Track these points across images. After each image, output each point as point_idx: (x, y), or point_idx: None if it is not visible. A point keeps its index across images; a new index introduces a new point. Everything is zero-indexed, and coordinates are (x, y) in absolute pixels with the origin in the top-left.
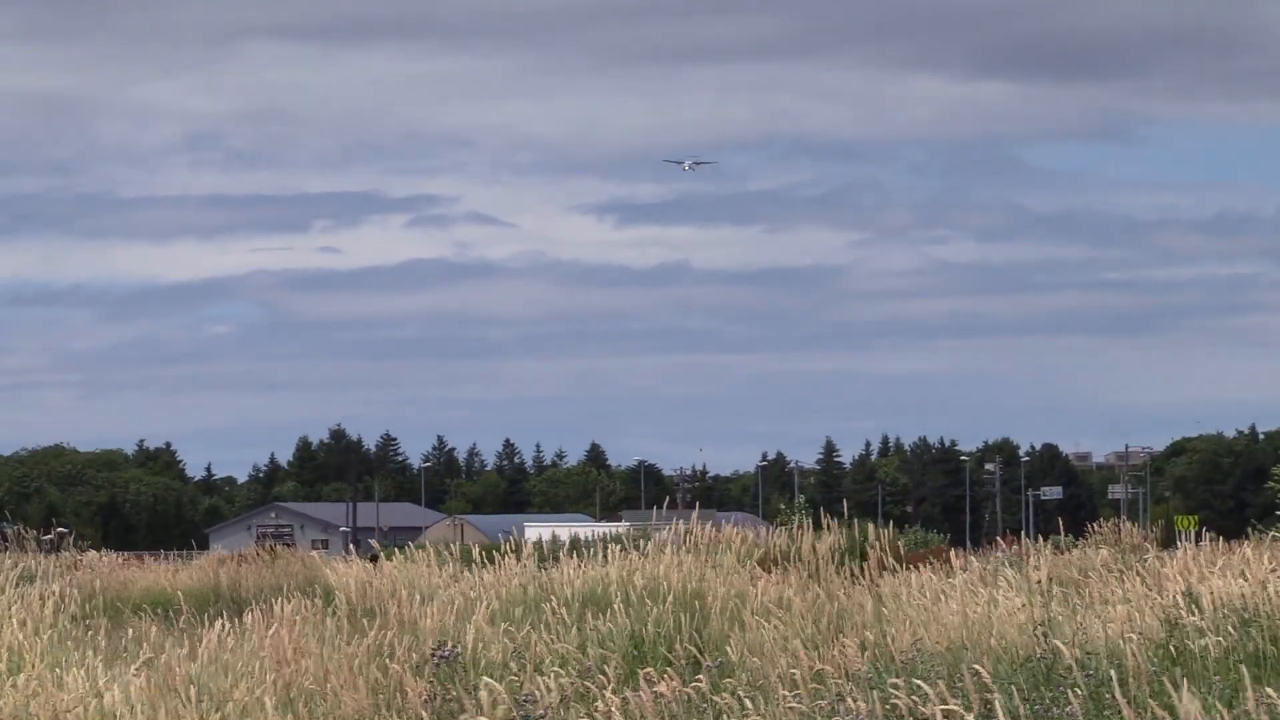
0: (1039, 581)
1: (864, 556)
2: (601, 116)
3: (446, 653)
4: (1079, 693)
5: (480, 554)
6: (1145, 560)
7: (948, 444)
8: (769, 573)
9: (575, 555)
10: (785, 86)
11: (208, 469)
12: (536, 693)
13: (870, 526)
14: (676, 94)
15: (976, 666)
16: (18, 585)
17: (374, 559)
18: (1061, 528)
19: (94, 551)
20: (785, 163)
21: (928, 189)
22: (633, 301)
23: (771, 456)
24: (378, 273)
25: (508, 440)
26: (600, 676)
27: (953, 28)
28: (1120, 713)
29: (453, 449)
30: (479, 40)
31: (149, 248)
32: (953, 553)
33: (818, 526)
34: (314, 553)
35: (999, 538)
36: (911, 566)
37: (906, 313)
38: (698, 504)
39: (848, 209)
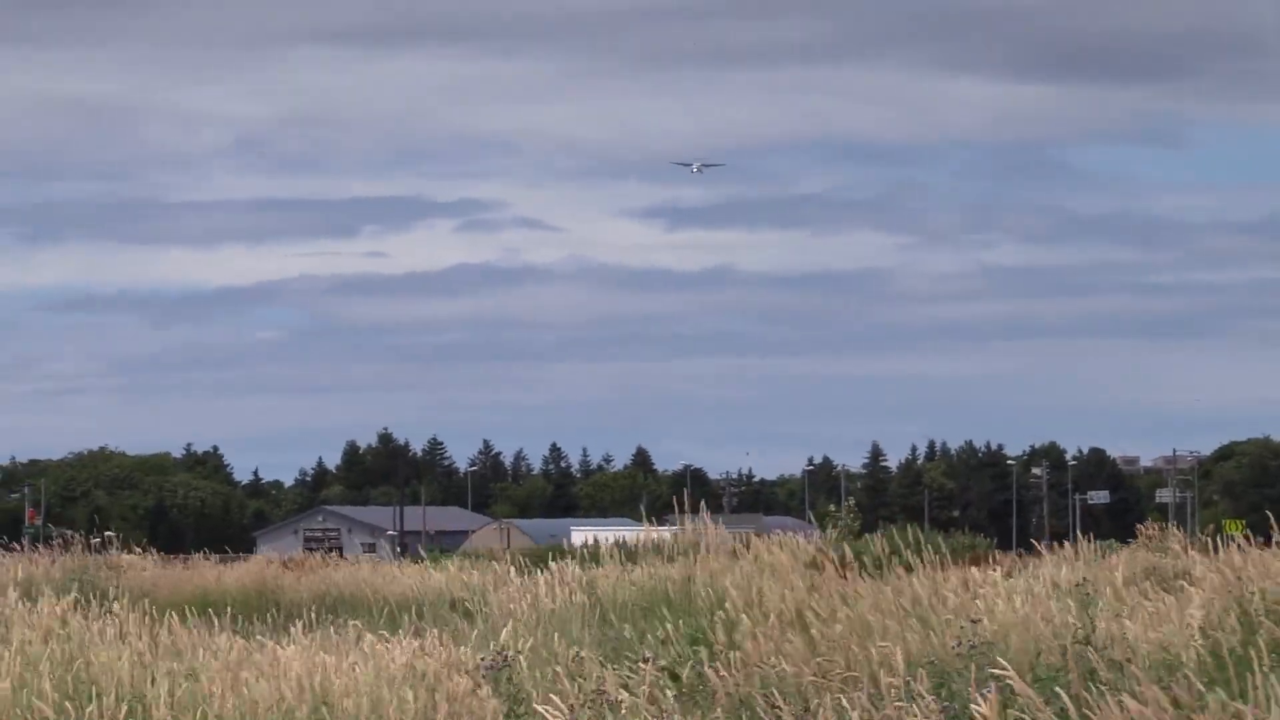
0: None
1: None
2: (645, 120)
3: (500, 662)
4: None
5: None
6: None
7: (994, 448)
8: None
9: (627, 559)
10: (829, 90)
11: (255, 473)
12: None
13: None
14: (720, 97)
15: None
16: None
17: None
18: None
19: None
20: (830, 166)
21: (973, 192)
22: (679, 305)
23: (818, 460)
24: (425, 277)
25: (554, 444)
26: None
27: (997, 30)
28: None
29: (499, 453)
30: (521, 44)
31: (195, 252)
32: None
33: (868, 529)
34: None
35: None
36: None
37: (953, 316)
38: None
39: (893, 212)
